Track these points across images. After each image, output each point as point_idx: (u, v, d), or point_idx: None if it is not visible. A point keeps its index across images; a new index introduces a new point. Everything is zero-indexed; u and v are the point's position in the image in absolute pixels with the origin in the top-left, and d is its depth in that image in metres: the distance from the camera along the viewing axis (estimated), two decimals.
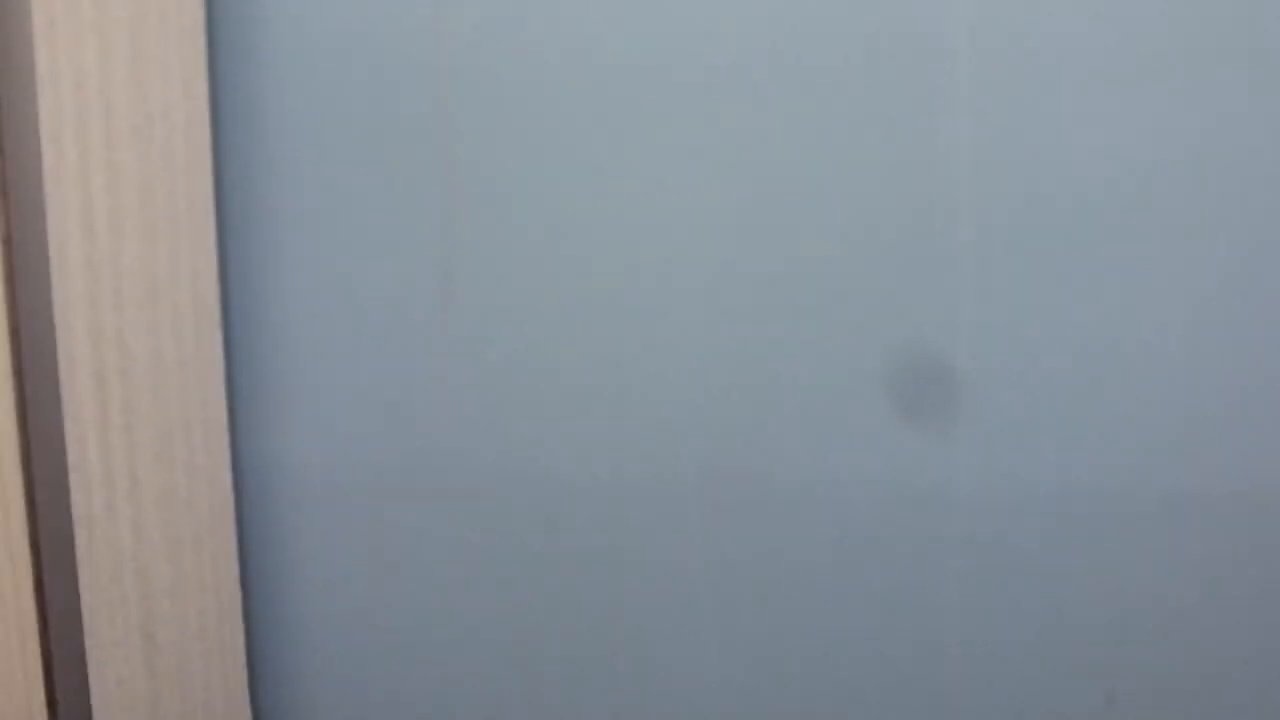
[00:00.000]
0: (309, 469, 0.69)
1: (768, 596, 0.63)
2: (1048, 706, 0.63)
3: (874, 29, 0.56)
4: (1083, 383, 0.60)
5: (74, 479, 0.53)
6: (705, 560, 0.64)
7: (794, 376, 0.60)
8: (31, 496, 0.53)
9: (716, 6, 0.57)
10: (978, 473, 0.60)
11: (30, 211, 0.53)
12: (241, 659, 0.66)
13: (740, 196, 0.59)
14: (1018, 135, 0.59)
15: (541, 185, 0.63)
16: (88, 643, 0.56)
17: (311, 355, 0.68)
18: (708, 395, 0.62)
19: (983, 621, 0.62)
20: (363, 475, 0.68)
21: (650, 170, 0.60)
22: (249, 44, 0.67)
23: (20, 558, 0.52)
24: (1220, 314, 0.60)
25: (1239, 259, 0.59)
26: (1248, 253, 0.59)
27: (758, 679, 0.65)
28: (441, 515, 0.68)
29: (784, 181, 0.58)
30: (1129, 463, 0.61)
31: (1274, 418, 0.59)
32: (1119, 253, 0.59)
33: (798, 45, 0.57)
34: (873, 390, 0.60)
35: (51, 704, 0.54)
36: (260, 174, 0.67)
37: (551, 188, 0.62)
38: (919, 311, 0.59)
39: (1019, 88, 0.57)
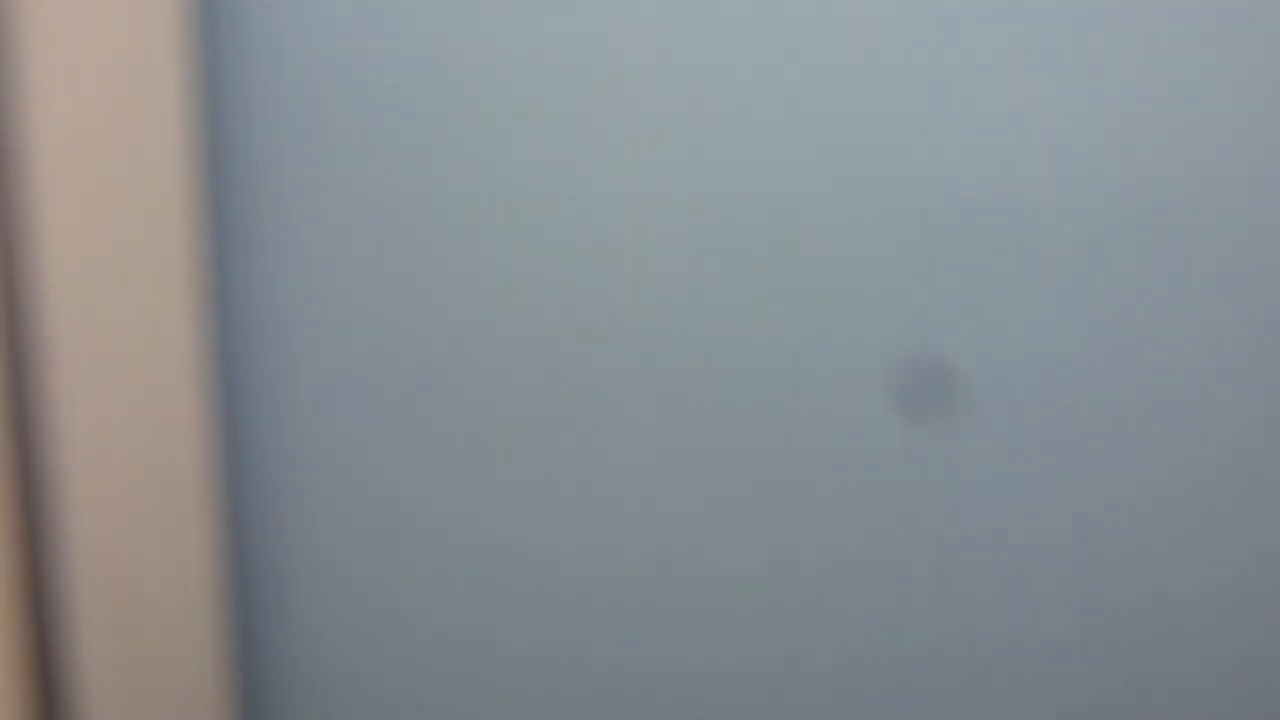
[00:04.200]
0: (302, 448, 0.69)
1: (770, 597, 0.63)
2: (1046, 705, 0.64)
3: (873, 29, 0.56)
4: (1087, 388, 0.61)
5: (56, 458, 0.53)
6: (711, 560, 0.64)
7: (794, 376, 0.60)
8: (14, 478, 0.52)
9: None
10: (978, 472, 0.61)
11: (13, 198, 0.52)
12: (229, 636, 0.67)
13: (740, 194, 0.58)
14: (1015, 135, 0.59)
15: (542, 184, 0.63)
16: (70, 623, 0.56)
17: (306, 336, 0.68)
18: (712, 400, 0.61)
19: (983, 620, 0.63)
20: (357, 456, 0.69)
21: (649, 170, 0.59)
22: (243, 25, 0.67)
23: (1, 540, 0.52)
24: (1220, 317, 0.60)
25: (1241, 263, 0.59)
26: (1250, 256, 0.59)
27: (761, 676, 0.65)
28: (439, 496, 0.68)
29: (784, 180, 0.58)
30: (1129, 462, 0.62)
31: (1272, 418, 0.60)
32: (1124, 257, 0.59)
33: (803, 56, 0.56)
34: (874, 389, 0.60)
35: (36, 686, 0.54)
36: (256, 157, 0.66)
37: (552, 188, 0.62)
38: (919, 313, 0.59)
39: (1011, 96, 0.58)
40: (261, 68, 0.65)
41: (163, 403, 0.60)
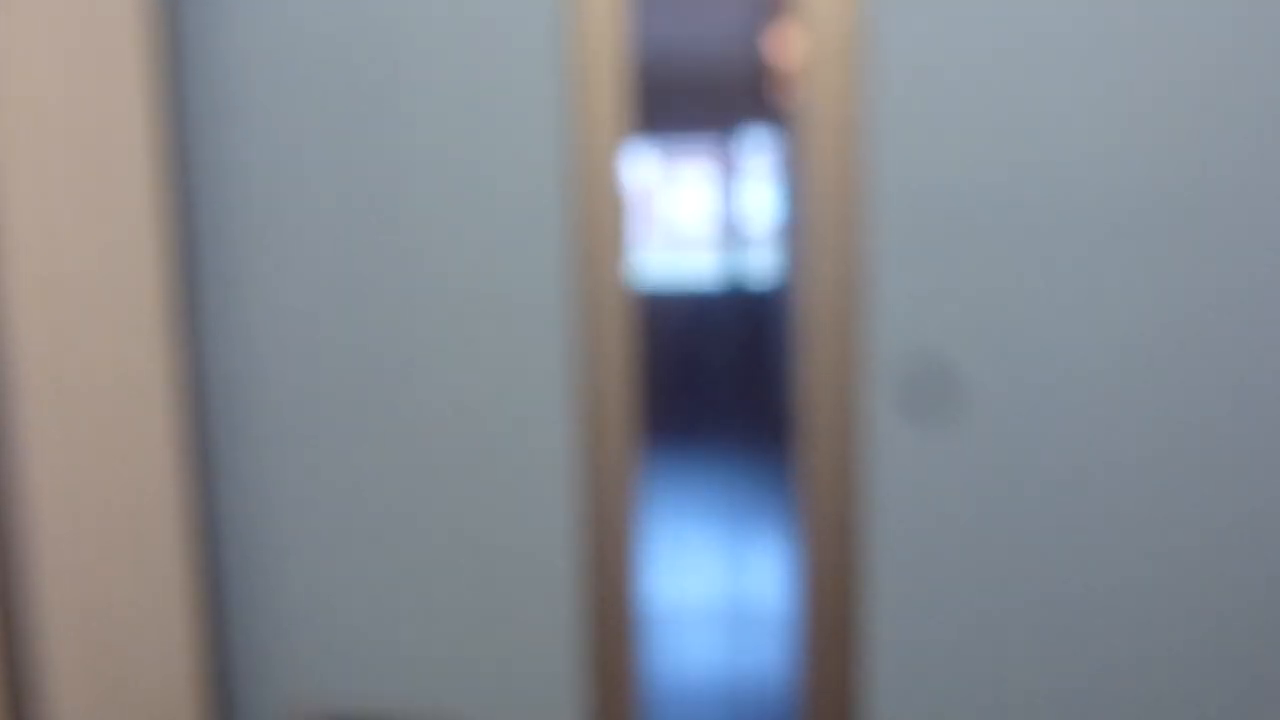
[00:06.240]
0: (272, 460, 0.69)
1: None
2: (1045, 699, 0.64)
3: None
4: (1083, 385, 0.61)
5: (25, 473, 0.53)
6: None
7: None
8: None
9: None
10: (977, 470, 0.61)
11: None
12: (201, 648, 0.67)
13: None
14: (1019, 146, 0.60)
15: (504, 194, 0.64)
16: (40, 636, 0.56)
17: (275, 348, 0.69)
18: None
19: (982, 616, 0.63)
20: (326, 467, 0.69)
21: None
22: (214, 53, 0.67)
23: None
24: (1217, 316, 0.60)
25: (1237, 263, 0.59)
26: (1245, 258, 0.59)
27: None
28: (411, 518, 0.68)
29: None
30: (1127, 461, 0.62)
31: (1266, 420, 0.60)
32: (1121, 258, 0.60)
33: None
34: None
35: (6, 698, 0.54)
36: (230, 182, 0.67)
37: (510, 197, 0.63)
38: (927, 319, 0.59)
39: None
40: (229, 76, 0.66)
41: (132, 416, 0.60)
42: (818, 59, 0.55)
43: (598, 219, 0.59)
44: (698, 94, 3.34)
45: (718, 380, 3.51)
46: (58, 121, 0.54)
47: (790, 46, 2.10)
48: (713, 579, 1.95)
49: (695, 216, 3.55)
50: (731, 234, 3.48)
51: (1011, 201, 0.59)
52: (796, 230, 1.96)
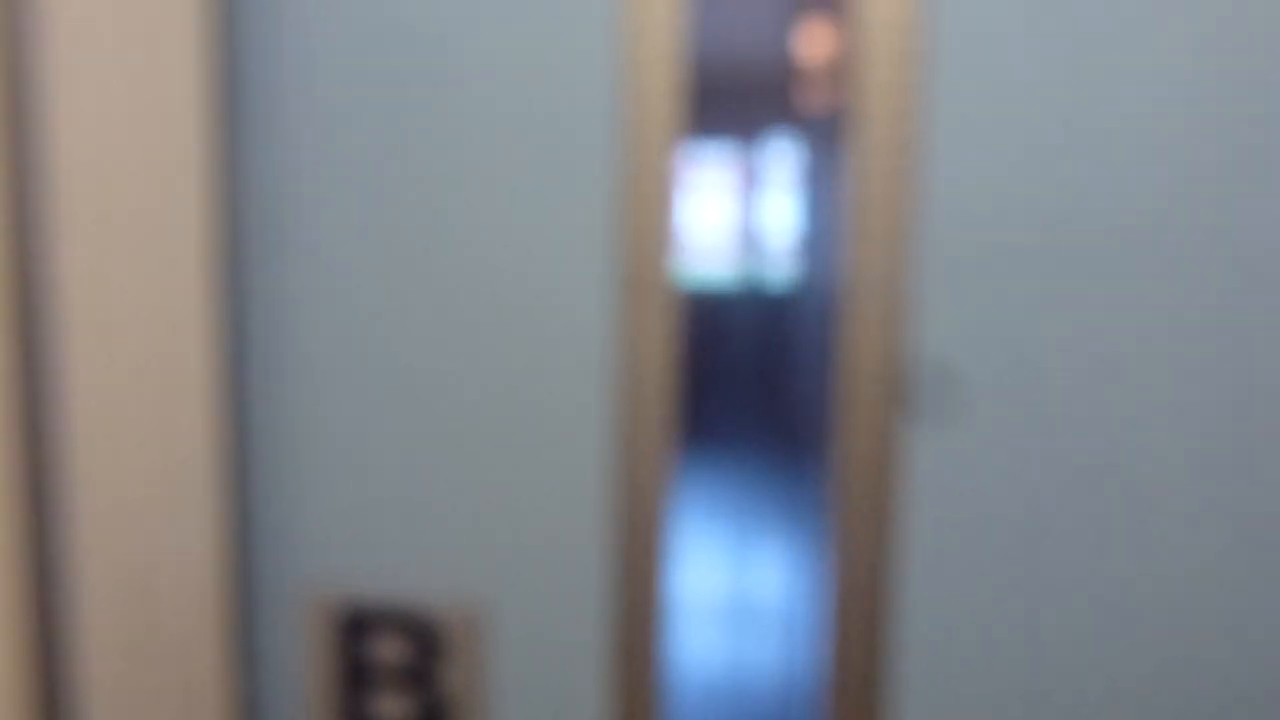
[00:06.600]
0: (309, 438, 0.70)
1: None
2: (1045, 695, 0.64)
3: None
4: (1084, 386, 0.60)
5: (66, 450, 0.54)
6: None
7: None
8: (24, 470, 0.53)
9: None
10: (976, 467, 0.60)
11: (33, 217, 0.53)
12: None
13: None
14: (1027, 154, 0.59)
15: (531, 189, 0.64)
16: (77, 610, 0.56)
17: (314, 330, 0.70)
18: None
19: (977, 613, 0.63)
20: (360, 449, 0.69)
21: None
22: (267, 40, 0.68)
23: (11, 529, 0.53)
24: (1217, 321, 0.59)
25: (1236, 271, 0.59)
26: (1246, 266, 0.59)
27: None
28: (447, 512, 0.68)
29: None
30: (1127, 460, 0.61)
31: (1265, 423, 0.60)
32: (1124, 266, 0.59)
33: None
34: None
35: (41, 674, 0.54)
36: (279, 184, 0.68)
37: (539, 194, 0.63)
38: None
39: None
40: (281, 60, 0.66)
41: (172, 399, 0.61)
42: (869, 57, 0.54)
43: (647, 217, 0.59)
44: (719, 98, 3.34)
45: (735, 379, 3.51)
46: (111, 113, 0.54)
47: (823, 45, 2.09)
48: (731, 575, 1.94)
49: (715, 226, 3.55)
50: (751, 243, 3.48)
51: (1072, 209, 0.58)
52: (841, 233, 1.96)
